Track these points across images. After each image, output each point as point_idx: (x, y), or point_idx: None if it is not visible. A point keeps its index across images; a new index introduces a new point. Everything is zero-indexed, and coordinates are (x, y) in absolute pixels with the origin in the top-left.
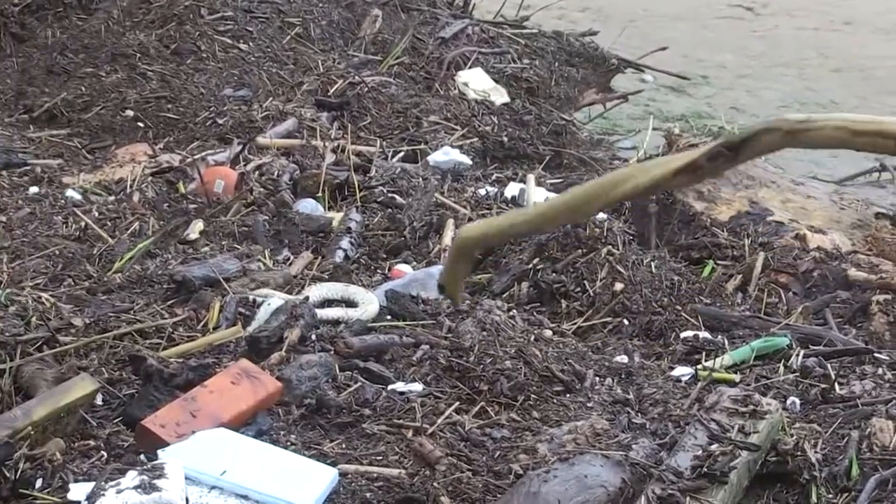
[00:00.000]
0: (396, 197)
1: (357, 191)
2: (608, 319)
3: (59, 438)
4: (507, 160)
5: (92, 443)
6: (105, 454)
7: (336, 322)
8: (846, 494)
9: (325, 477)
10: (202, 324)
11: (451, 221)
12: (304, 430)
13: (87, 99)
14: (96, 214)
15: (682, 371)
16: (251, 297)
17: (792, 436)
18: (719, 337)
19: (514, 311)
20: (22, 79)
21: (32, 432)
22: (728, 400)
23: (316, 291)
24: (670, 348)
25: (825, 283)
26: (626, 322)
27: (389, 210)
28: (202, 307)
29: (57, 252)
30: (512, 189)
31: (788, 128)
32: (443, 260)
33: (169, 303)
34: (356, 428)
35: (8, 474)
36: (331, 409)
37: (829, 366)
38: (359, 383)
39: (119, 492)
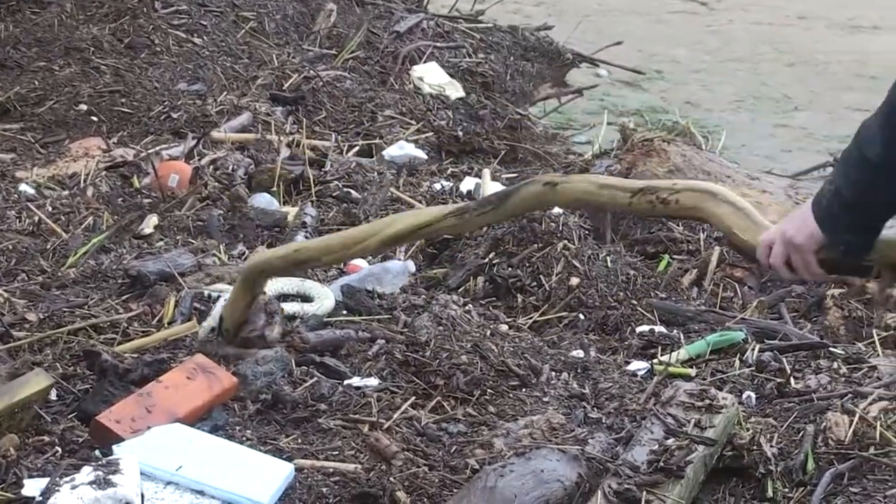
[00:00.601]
0: (352, 191)
1: (312, 185)
2: (564, 314)
3: (13, 434)
4: (463, 155)
5: (46, 438)
6: (60, 450)
7: (292, 317)
8: (802, 488)
9: (280, 472)
10: (157, 319)
11: None
12: (259, 425)
13: (41, 93)
14: (50, 209)
15: (638, 365)
16: (206, 293)
17: (748, 430)
18: (675, 331)
19: (470, 305)
20: None
21: None
22: (684, 394)
23: (271, 286)
24: (626, 343)
25: (780, 277)
26: (581, 317)
27: (345, 205)
28: (157, 302)
29: (10, 247)
30: (468, 183)
31: (548, 180)
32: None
33: (124, 297)
34: (312, 423)
35: None
36: (286, 404)
37: (784, 360)
38: (315, 378)
39: (74, 487)
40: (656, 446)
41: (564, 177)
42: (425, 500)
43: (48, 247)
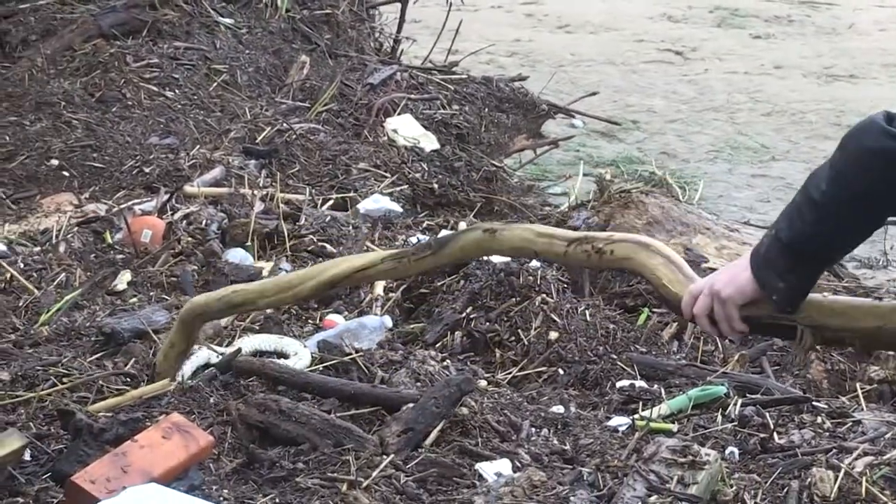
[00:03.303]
0: (327, 246)
1: (287, 240)
2: (543, 369)
3: None
4: (438, 207)
5: (20, 500)
6: None
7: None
8: None
9: None
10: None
11: None
12: (236, 484)
13: (11, 148)
14: (22, 266)
15: (619, 421)
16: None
17: (732, 486)
18: (655, 386)
19: (448, 360)
20: None
21: None
22: (666, 450)
23: (248, 343)
24: (606, 398)
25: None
26: (561, 371)
27: (320, 259)
28: (131, 359)
29: None
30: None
31: (488, 227)
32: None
33: (97, 355)
34: (290, 482)
35: None
36: (263, 463)
37: (767, 415)
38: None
39: None
40: None
41: (504, 224)
42: None
43: (20, 304)
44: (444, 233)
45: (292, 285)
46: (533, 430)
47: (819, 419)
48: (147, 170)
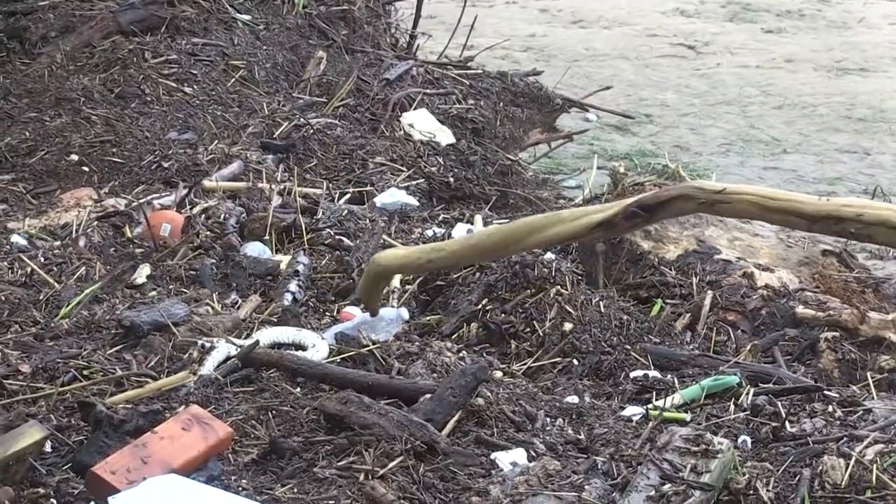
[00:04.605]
0: (344, 239)
1: (304, 233)
2: (558, 359)
3: (7, 487)
4: (454, 201)
5: (41, 490)
6: (55, 502)
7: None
8: None
9: None
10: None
11: None
12: (255, 475)
13: (32, 144)
14: (42, 260)
15: (633, 410)
16: (200, 343)
17: (744, 475)
18: (669, 376)
19: (464, 352)
20: None
21: None
22: (679, 439)
23: (266, 335)
24: (620, 388)
25: (773, 320)
26: (575, 362)
27: (337, 252)
28: (151, 352)
29: (3, 298)
30: (459, 230)
31: (704, 198)
32: (362, 283)
33: (117, 348)
34: (308, 472)
35: None
36: (283, 453)
37: (779, 404)
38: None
39: None
40: (653, 492)
41: (723, 192)
42: None
43: (41, 298)
44: (460, 226)
45: (506, 245)
46: (548, 419)
47: (830, 408)
48: (166, 164)
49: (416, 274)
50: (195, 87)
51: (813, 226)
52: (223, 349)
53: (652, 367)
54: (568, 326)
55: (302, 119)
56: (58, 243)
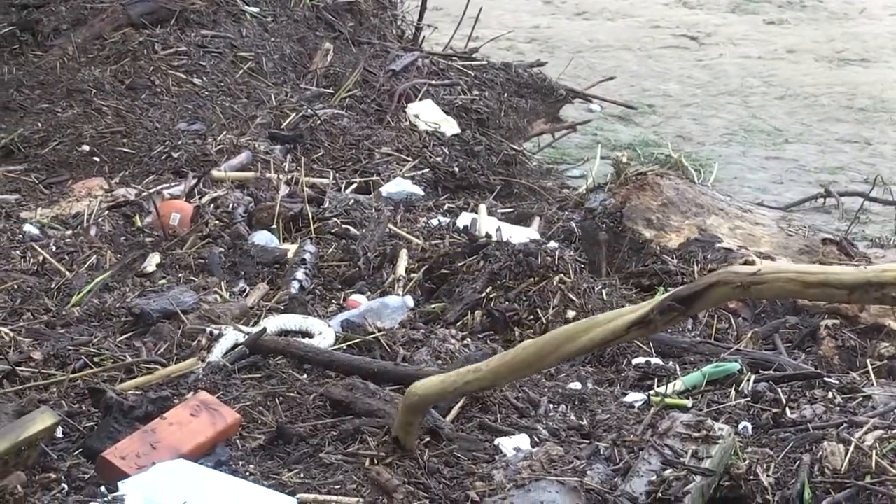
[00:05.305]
0: (350, 228)
1: (311, 222)
2: None
3: (19, 472)
4: (459, 190)
5: (53, 475)
6: (66, 487)
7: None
8: None
9: None
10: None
11: (404, 251)
12: (262, 460)
13: (44, 134)
14: (54, 248)
15: (635, 397)
16: (208, 330)
17: (744, 460)
18: (671, 363)
19: (469, 339)
20: None
21: None
22: (681, 425)
23: (273, 322)
24: (622, 374)
25: (774, 308)
26: None
27: (343, 241)
28: (160, 339)
29: (15, 286)
30: (464, 219)
31: (740, 281)
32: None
33: (127, 335)
34: (314, 458)
35: None
36: (290, 439)
37: (779, 390)
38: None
39: None
40: (654, 477)
41: (754, 270)
42: None
43: (52, 286)
44: (464, 215)
45: (529, 363)
46: (551, 406)
47: (830, 394)
48: (175, 155)
49: (455, 399)
50: (204, 78)
51: (852, 296)
52: (231, 336)
53: (654, 354)
54: (571, 314)
55: (309, 110)
56: (69, 232)
